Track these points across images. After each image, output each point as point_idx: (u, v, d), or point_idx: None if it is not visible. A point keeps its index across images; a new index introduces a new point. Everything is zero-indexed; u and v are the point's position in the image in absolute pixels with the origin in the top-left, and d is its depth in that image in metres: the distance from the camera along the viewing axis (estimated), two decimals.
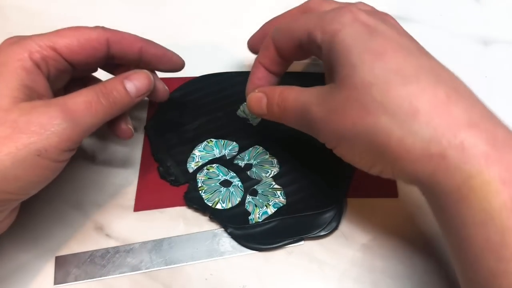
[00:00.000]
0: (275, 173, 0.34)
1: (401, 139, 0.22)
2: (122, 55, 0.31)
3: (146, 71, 0.30)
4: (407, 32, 0.27)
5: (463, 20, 0.41)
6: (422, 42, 0.40)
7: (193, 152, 0.35)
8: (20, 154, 0.24)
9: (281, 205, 0.32)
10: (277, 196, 0.33)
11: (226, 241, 0.32)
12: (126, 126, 0.32)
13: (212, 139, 0.35)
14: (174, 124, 0.36)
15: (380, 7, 0.42)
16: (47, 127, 0.25)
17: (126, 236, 0.32)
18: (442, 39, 0.40)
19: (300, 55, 0.30)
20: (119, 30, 0.31)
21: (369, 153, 0.24)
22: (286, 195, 0.33)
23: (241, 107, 0.36)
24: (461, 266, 0.22)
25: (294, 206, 0.32)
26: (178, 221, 0.33)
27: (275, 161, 0.34)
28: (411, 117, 0.22)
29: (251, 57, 0.40)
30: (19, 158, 0.24)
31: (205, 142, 0.35)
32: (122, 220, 0.33)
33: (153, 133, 0.36)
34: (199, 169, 0.34)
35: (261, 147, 0.35)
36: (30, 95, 0.26)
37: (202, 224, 0.33)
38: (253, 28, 0.38)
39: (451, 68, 0.38)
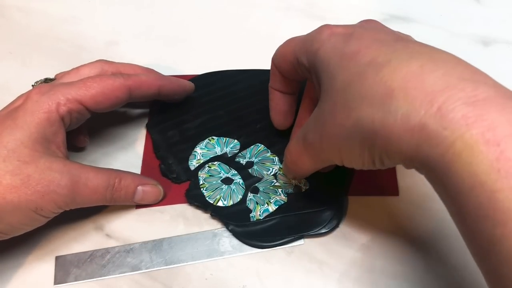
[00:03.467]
0: (276, 171, 0.34)
1: (382, 121, 0.22)
2: (141, 97, 0.33)
3: (161, 189, 0.33)
4: (387, 28, 0.27)
5: (463, 20, 0.41)
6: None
7: (195, 149, 0.35)
8: (20, 206, 0.27)
9: (282, 202, 0.32)
10: (278, 193, 0.33)
11: (226, 241, 0.32)
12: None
13: (214, 137, 0.36)
14: (175, 122, 0.37)
15: (380, 7, 0.42)
16: (50, 193, 0.28)
17: (126, 236, 0.32)
18: (442, 39, 0.40)
19: (301, 76, 0.30)
20: (138, 75, 0.33)
21: (364, 148, 0.23)
22: (287, 193, 0.33)
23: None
24: (465, 238, 0.21)
25: (295, 204, 0.32)
26: (178, 221, 0.33)
27: (276, 159, 0.34)
28: (388, 98, 0.21)
29: (253, 55, 0.40)
30: (18, 208, 0.27)
31: (206, 140, 0.35)
32: (122, 220, 0.33)
33: (155, 131, 0.36)
34: (201, 166, 0.34)
35: (262, 145, 0.35)
36: (49, 147, 0.29)
37: (202, 224, 0.33)
38: (256, 27, 0.38)
39: None
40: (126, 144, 0.36)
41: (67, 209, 0.29)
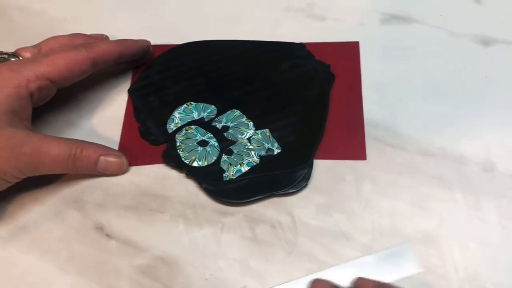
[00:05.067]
0: (250, 135, 0.35)
1: None
2: (104, 65, 0.36)
3: (124, 161, 0.34)
4: None
5: (463, 20, 0.41)
6: (422, 42, 0.40)
7: (173, 114, 0.37)
8: None
9: (254, 164, 0.34)
10: (251, 156, 0.34)
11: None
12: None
13: (192, 102, 0.37)
14: (156, 88, 0.38)
15: (380, 7, 0.42)
16: (13, 159, 0.30)
17: (126, 236, 0.32)
18: (442, 39, 0.40)
19: None
20: (98, 43, 0.35)
21: None
22: (260, 155, 0.34)
23: None
24: None
25: (267, 165, 0.34)
26: (178, 221, 0.33)
27: (251, 124, 0.36)
28: None
29: None
30: None
31: (185, 105, 0.37)
32: (122, 220, 0.33)
33: (136, 96, 0.38)
34: (178, 130, 0.36)
35: (238, 111, 0.36)
36: (14, 119, 0.31)
37: (202, 224, 0.33)
38: (256, 27, 0.38)
39: (451, 68, 0.38)
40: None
41: (30, 175, 0.31)
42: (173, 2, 0.45)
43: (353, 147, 0.35)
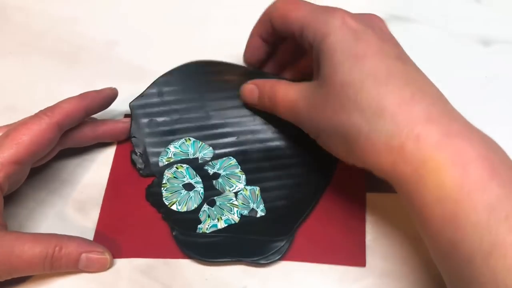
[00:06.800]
0: (239, 189, 0.33)
1: (368, 134, 0.25)
2: (72, 125, 0.32)
3: (108, 258, 0.30)
4: (391, 36, 0.29)
5: (463, 20, 0.41)
6: (422, 42, 0.40)
7: (169, 146, 0.34)
8: None
9: (233, 222, 0.32)
10: (232, 212, 0.32)
11: None
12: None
13: (191, 138, 0.35)
14: (160, 110, 0.35)
15: (380, 7, 0.42)
16: None
17: None
18: (442, 39, 0.40)
19: (297, 40, 0.31)
20: (60, 103, 0.31)
21: (343, 145, 0.27)
22: (242, 214, 0.32)
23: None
24: (429, 242, 0.24)
25: (245, 227, 0.32)
26: None
27: (243, 177, 0.33)
28: (378, 115, 0.25)
29: None
30: None
31: (182, 140, 0.35)
32: None
33: (140, 113, 0.35)
34: (170, 165, 0.34)
35: (234, 160, 0.34)
36: None
37: None
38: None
39: (451, 68, 0.38)
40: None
41: (1, 280, 0.28)
42: (173, 1, 0.45)
43: (350, 250, 0.31)
